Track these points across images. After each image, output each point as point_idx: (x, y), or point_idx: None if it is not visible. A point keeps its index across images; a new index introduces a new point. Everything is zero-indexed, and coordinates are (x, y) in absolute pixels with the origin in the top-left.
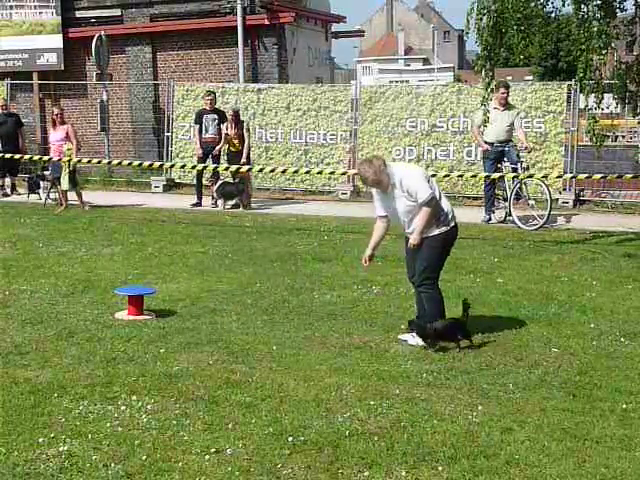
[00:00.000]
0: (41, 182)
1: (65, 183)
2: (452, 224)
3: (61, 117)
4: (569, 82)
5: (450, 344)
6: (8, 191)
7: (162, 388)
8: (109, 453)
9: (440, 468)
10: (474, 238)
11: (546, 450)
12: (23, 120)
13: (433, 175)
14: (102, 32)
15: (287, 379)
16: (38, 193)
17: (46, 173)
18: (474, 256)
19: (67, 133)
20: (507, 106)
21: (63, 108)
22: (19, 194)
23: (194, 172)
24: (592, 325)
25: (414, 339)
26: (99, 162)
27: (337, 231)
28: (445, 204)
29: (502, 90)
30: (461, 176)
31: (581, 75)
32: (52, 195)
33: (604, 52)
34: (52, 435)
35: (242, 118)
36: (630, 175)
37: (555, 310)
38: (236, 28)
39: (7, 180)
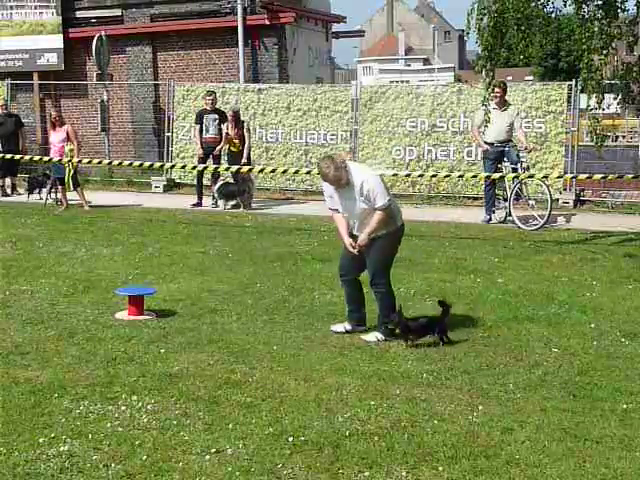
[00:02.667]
0: (47, 181)
1: (70, 184)
2: (399, 223)
3: (59, 119)
4: (569, 82)
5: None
6: (8, 191)
7: (162, 388)
8: (109, 453)
9: (440, 468)
10: (474, 238)
11: (546, 450)
12: (23, 120)
13: (434, 175)
14: (102, 32)
15: (287, 379)
16: (40, 193)
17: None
18: (474, 256)
19: (67, 133)
20: (506, 106)
21: (60, 110)
22: (19, 194)
23: (194, 172)
24: (592, 325)
25: (372, 336)
26: (99, 162)
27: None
28: (394, 205)
29: (496, 89)
30: (461, 176)
31: (585, 75)
32: (52, 195)
33: (605, 52)
34: (52, 435)
35: (242, 118)
36: (630, 175)
37: (555, 310)
38: (236, 28)
39: (7, 180)
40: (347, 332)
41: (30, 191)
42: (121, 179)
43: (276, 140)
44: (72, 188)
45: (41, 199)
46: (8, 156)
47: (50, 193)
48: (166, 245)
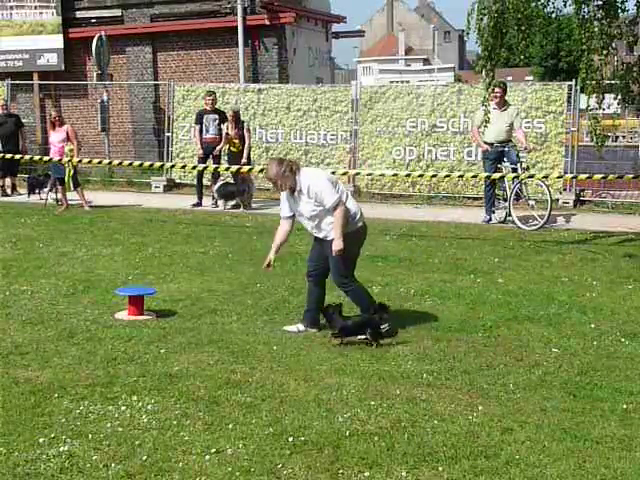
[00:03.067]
0: (48, 181)
1: (70, 184)
2: (359, 224)
3: (59, 119)
4: (570, 82)
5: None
6: (8, 191)
7: (162, 388)
8: (109, 453)
9: (441, 468)
10: (474, 238)
11: (546, 450)
12: (23, 120)
13: (434, 175)
14: (102, 32)
15: (287, 379)
16: (40, 193)
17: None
18: (474, 256)
19: (67, 134)
20: (506, 106)
21: (60, 110)
22: (19, 194)
23: (194, 172)
24: (592, 325)
25: (295, 327)
26: (99, 162)
27: None
28: (352, 205)
29: (496, 90)
30: (461, 176)
31: (584, 75)
32: (52, 195)
33: (605, 52)
34: (52, 435)
35: (242, 118)
36: (630, 175)
37: (555, 310)
38: (236, 28)
39: (7, 180)
40: (299, 332)
41: (31, 191)
42: (121, 179)
43: (276, 140)
44: (72, 188)
45: (42, 199)
46: (8, 156)
47: (50, 193)
48: (166, 245)
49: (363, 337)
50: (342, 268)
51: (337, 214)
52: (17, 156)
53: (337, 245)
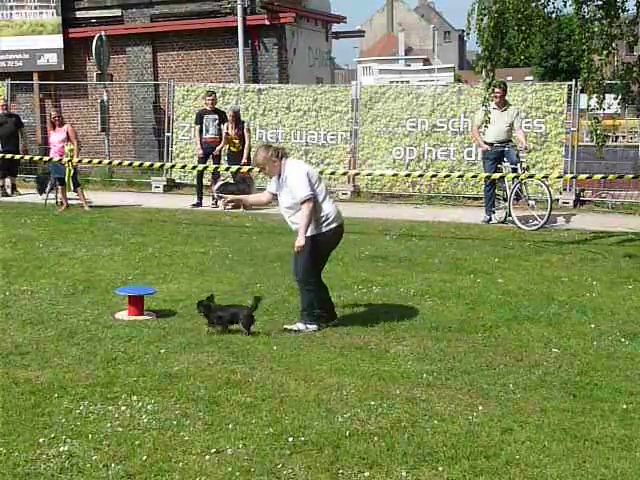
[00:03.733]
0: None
1: (70, 184)
2: (332, 225)
3: (59, 119)
4: (570, 82)
5: None
6: (8, 191)
7: (162, 388)
8: (109, 453)
9: (440, 468)
10: (474, 238)
11: (546, 450)
12: (23, 120)
13: (434, 175)
14: (102, 32)
15: (287, 379)
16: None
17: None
18: (474, 256)
19: (68, 134)
20: (506, 106)
21: (60, 110)
22: (19, 194)
23: (194, 172)
24: (592, 325)
25: (303, 325)
26: (99, 162)
27: None
28: (329, 207)
29: (496, 90)
30: (461, 176)
31: (585, 76)
32: (52, 195)
33: (605, 52)
34: (52, 435)
35: (243, 118)
36: (630, 175)
37: (555, 310)
38: (236, 28)
39: (7, 180)
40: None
41: (42, 190)
42: (121, 179)
43: (276, 140)
44: (72, 188)
45: (54, 198)
46: (8, 156)
47: (49, 193)
48: (166, 245)
49: (238, 325)
50: (309, 267)
51: (303, 209)
52: (17, 156)
53: (298, 242)
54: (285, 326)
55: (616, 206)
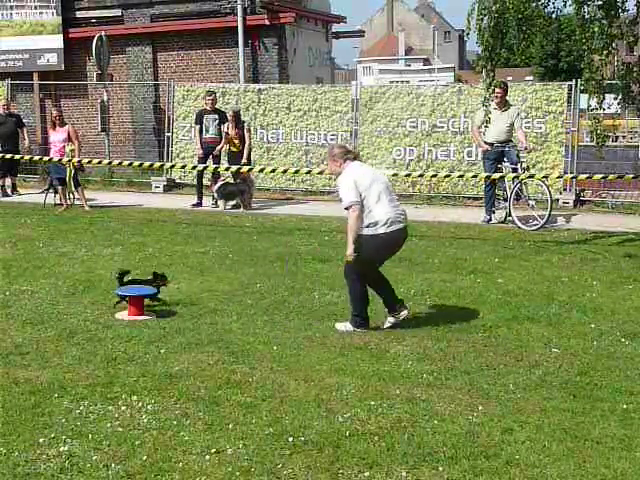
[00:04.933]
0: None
1: (71, 184)
2: (380, 231)
3: (60, 118)
4: (570, 82)
5: None
6: (9, 191)
7: (162, 388)
8: (109, 453)
9: (441, 468)
10: (474, 238)
11: (546, 450)
12: (23, 120)
13: (434, 175)
14: (102, 32)
15: (287, 379)
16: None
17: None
18: (474, 256)
19: (69, 134)
20: (506, 106)
21: (61, 110)
22: (20, 194)
23: (194, 172)
24: (592, 325)
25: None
26: (99, 162)
27: (337, 231)
28: (381, 212)
29: (496, 90)
30: (462, 176)
31: (587, 76)
32: (51, 195)
33: (605, 52)
34: (52, 435)
35: (243, 118)
36: (631, 175)
37: (555, 310)
38: (236, 28)
39: (7, 180)
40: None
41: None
42: (121, 179)
43: (277, 140)
44: (73, 188)
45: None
46: (8, 156)
47: (48, 193)
48: (166, 245)
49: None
50: (350, 265)
51: (349, 217)
52: (17, 156)
53: (347, 250)
54: (336, 325)
55: (616, 206)
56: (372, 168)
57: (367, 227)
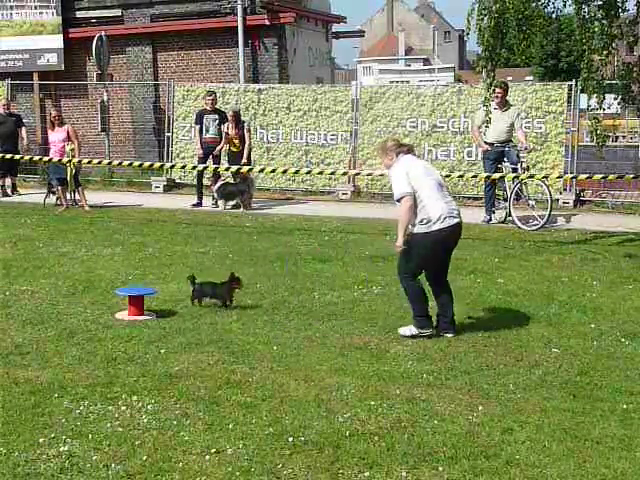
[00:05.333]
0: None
1: (71, 183)
2: (434, 227)
3: (59, 118)
4: (570, 82)
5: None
6: (9, 191)
7: (162, 388)
8: (109, 453)
9: (441, 468)
10: (474, 238)
11: (547, 450)
12: (23, 120)
13: None
14: (102, 32)
15: (287, 379)
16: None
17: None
18: (474, 256)
19: (68, 133)
20: (507, 106)
21: (60, 110)
22: (20, 194)
23: (194, 172)
24: (592, 325)
25: (409, 330)
26: (99, 162)
27: (337, 231)
28: (434, 208)
29: (497, 90)
30: (462, 176)
31: (585, 75)
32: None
33: (605, 52)
34: (52, 435)
35: (243, 118)
36: (631, 175)
37: (556, 310)
38: (236, 28)
39: (7, 180)
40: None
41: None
42: (121, 179)
43: (277, 140)
44: (74, 187)
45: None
46: (8, 156)
47: (49, 193)
48: (166, 245)
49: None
50: (403, 263)
51: (399, 209)
52: (17, 156)
53: (397, 241)
54: (399, 331)
55: (616, 206)
56: (425, 162)
57: (420, 223)
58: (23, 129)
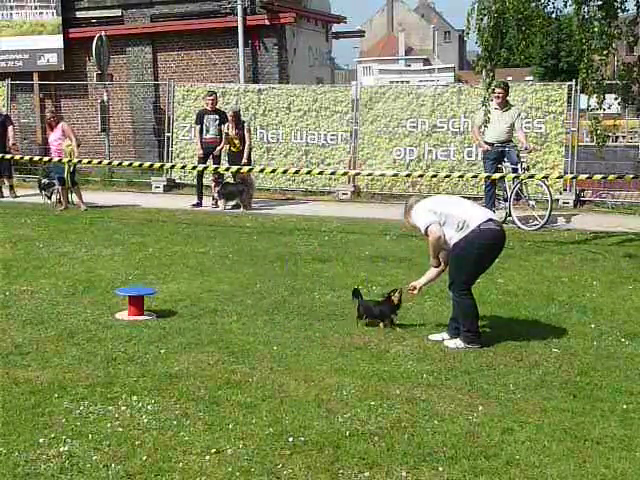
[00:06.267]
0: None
1: (68, 180)
2: (471, 227)
3: (55, 119)
4: (570, 82)
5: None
6: (6, 192)
7: (163, 388)
8: (109, 453)
9: (441, 468)
10: None
11: (547, 450)
12: (23, 120)
13: (434, 176)
14: (102, 32)
15: (287, 379)
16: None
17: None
18: None
19: (63, 130)
20: (507, 106)
21: (55, 111)
22: (16, 196)
23: (195, 172)
24: (592, 325)
25: (449, 340)
26: (99, 162)
27: (337, 231)
28: (468, 213)
29: (497, 90)
30: (462, 176)
31: (584, 75)
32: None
33: (605, 52)
34: (52, 435)
35: (243, 119)
36: (631, 175)
37: (555, 310)
38: (236, 28)
39: (5, 181)
40: (443, 340)
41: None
42: (121, 179)
43: (277, 140)
44: (70, 185)
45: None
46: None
47: (46, 193)
48: (166, 245)
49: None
50: (455, 275)
51: (429, 239)
52: (7, 156)
53: (419, 282)
54: (444, 342)
55: (616, 206)
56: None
57: (457, 231)
58: (10, 128)
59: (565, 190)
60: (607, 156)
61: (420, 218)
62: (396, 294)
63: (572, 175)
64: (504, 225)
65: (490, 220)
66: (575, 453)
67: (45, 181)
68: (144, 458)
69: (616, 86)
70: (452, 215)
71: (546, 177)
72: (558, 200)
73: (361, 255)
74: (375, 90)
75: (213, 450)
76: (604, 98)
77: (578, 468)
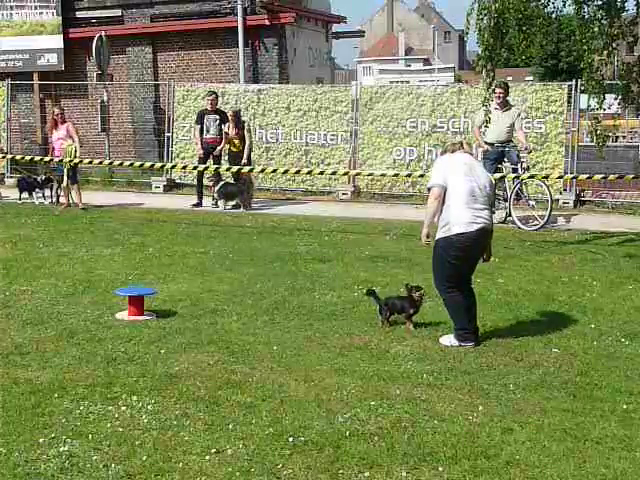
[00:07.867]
0: (48, 183)
1: (65, 179)
2: (452, 232)
3: (62, 116)
4: (570, 82)
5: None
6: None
7: (162, 388)
8: (109, 453)
9: (441, 468)
10: None
11: (546, 450)
12: (23, 120)
13: None
14: (102, 32)
15: (288, 379)
16: (30, 195)
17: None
18: None
19: (67, 130)
20: (507, 106)
21: (63, 108)
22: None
23: (195, 172)
24: (592, 325)
25: (444, 337)
26: (100, 162)
27: (337, 231)
28: (458, 210)
29: (497, 90)
30: None
31: (586, 75)
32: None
33: (605, 52)
34: (52, 435)
35: (243, 118)
36: (631, 175)
37: (555, 310)
38: (236, 28)
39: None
40: (452, 346)
41: (23, 192)
42: (121, 179)
43: (276, 140)
44: (69, 183)
45: (34, 201)
46: None
47: (52, 193)
48: (166, 245)
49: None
50: (434, 273)
51: (429, 197)
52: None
53: (422, 232)
54: (440, 340)
55: (616, 206)
56: (476, 163)
57: (441, 228)
58: None
59: (565, 190)
60: (607, 156)
61: (434, 173)
62: (418, 293)
63: (572, 175)
64: (504, 225)
65: (473, 223)
66: (575, 453)
67: (41, 178)
68: (144, 458)
69: (616, 86)
70: (448, 203)
71: (546, 177)
72: (558, 200)
73: (361, 255)
74: (375, 90)
75: (213, 450)
76: (604, 98)
77: (578, 468)
